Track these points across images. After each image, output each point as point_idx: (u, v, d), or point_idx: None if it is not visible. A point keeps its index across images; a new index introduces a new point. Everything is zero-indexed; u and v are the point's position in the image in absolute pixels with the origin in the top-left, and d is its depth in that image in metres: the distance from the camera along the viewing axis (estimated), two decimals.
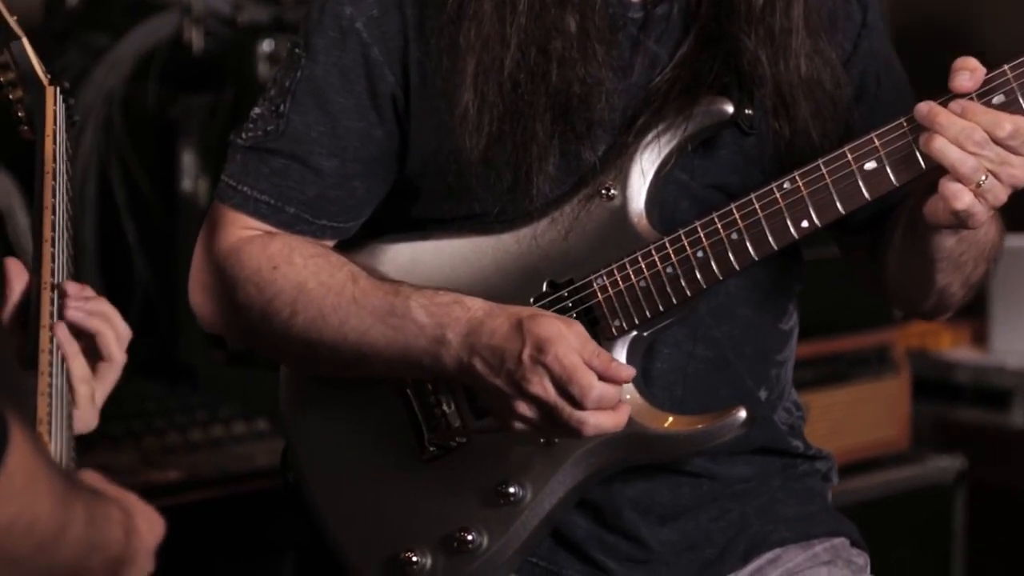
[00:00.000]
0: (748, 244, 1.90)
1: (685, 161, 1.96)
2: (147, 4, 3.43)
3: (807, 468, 2.10)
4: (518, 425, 1.86)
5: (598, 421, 1.83)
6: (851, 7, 2.05)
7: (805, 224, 1.89)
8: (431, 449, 1.97)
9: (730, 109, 1.93)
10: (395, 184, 2.01)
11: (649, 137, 1.93)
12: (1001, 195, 1.85)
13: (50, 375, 1.61)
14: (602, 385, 1.82)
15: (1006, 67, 1.85)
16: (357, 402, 1.99)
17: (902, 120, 1.88)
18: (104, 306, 1.70)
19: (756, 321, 2.03)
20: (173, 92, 3.35)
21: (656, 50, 1.96)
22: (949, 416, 3.72)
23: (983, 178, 1.83)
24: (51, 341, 1.63)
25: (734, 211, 1.90)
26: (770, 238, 1.90)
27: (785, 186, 1.90)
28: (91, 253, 3.36)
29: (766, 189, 1.90)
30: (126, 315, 3.25)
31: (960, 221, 1.86)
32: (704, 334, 1.99)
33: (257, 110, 1.99)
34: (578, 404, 1.82)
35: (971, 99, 1.85)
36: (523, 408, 1.84)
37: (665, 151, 1.93)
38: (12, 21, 1.82)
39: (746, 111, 1.94)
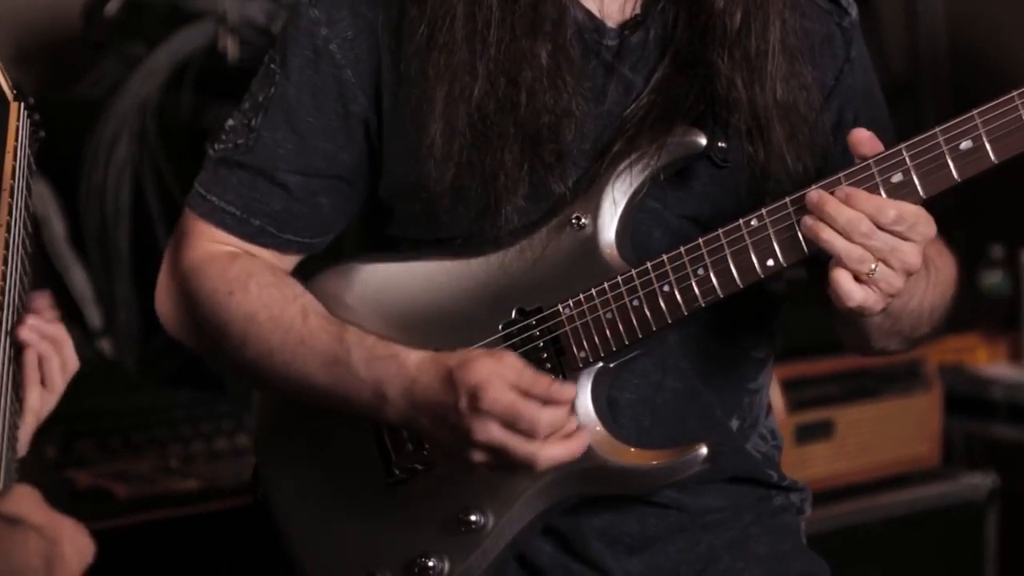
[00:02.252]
0: (714, 281, 1.89)
1: (658, 191, 1.95)
2: (183, 13, 3.46)
3: (782, 502, 2.09)
4: (478, 469, 1.86)
5: (550, 454, 1.82)
6: (835, 40, 2.02)
7: (771, 263, 1.88)
8: (396, 473, 1.97)
9: (703, 142, 1.92)
10: (372, 202, 2.02)
11: (621, 167, 1.92)
12: (895, 281, 1.83)
13: None
14: (549, 411, 1.81)
15: (902, 146, 1.85)
16: (325, 424, 2.00)
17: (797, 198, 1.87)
18: (58, 332, 1.70)
19: (728, 351, 2.02)
20: (207, 101, 3.37)
21: (631, 77, 1.96)
22: (983, 433, 3.68)
23: (873, 267, 1.82)
24: None
25: (701, 246, 1.89)
26: (736, 276, 1.89)
27: (752, 223, 1.88)
28: (125, 261, 3.40)
29: (734, 225, 1.89)
30: (157, 322, 3.28)
31: (852, 311, 1.85)
32: (674, 365, 1.98)
33: (231, 122, 2.00)
34: (532, 437, 1.81)
35: (871, 171, 1.84)
36: (476, 455, 1.84)
37: (637, 181, 1.93)
38: None
39: (719, 144, 1.93)
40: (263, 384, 1.99)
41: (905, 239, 1.83)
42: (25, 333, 1.68)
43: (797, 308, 2.11)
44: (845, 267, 1.82)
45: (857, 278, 1.83)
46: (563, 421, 1.83)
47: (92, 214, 3.40)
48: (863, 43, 2.06)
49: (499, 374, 1.82)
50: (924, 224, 1.84)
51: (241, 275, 1.96)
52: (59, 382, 1.71)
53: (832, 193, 1.83)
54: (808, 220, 1.84)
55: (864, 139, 1.86)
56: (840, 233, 1.82)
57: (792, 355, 3.25)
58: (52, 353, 1.69)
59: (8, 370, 1.65)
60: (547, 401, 1.81)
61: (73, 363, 1.71)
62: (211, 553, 2.81)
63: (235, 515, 2.80)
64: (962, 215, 3.69)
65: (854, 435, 3.39)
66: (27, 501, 1.50)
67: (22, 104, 1.81)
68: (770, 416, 2.10)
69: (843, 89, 2.03)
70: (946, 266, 2.01)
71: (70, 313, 3.38)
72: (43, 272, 3.37)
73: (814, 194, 1.84)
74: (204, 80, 3.38)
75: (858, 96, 2.04)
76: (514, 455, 1.82)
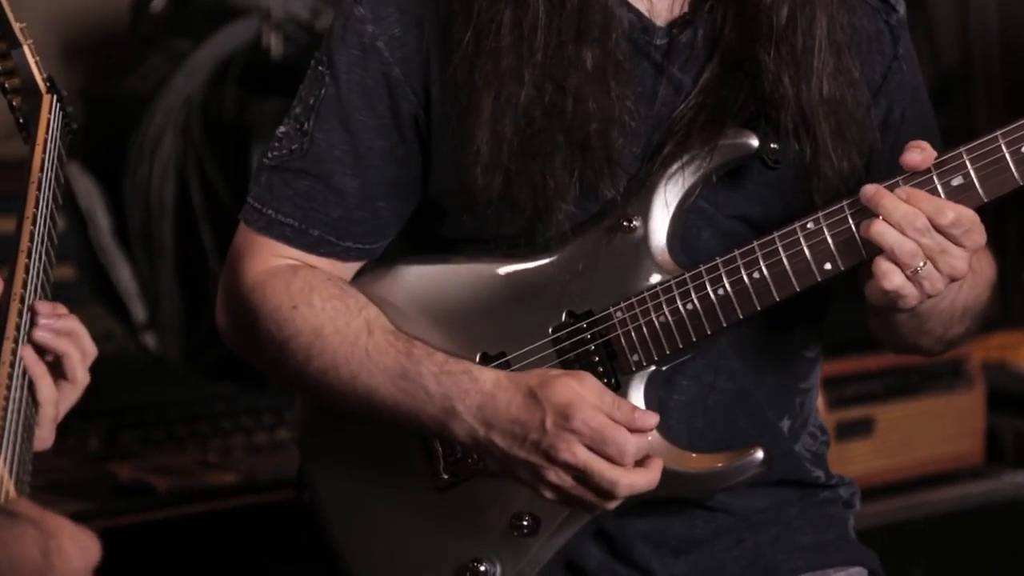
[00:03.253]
0: (771, 285, 1.89)
1: (709, 191, 1.94)
2: (228, 9, 3.47)
3: (828, 495, 2.09)
4: (548, 494, 1.86)
5: (632, 481, 1.84)
6: (883, 37, 2.02)
7: (828, 267, 1.88)
8: (445, 477, 1.97)
9: (755, 143, 1.92)
10: (423, 203, 2.01)
11: (673, 168, 1.92)
12: (938, 284, 1.84)
13: (8, 388, 1.61)
14: (636, 438, 1.83)
15: (962, 149, 1.85)
16: (372, 427, 1.99)
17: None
18: (74, 325, 1.70)
19: (779, 352, 2.02)
20: (251, 97, 3.39)
21: (680, 77, 1.95)
22: None
23: (921, 264, 1.82)
24: (13, 354, 1.64)
25: (756, 249, 1.89)
26: (793, 279, 1.88)
27: (809, 226, 1.88)
28: (169, 256, 3.41)
29: (789, 228, 1.88)
30: (200, 316, 3.30)
31: (890, 301, 1.85)
32: (725, 365, 1.98)
33: (283, 128, 1.99)
34: (616, 462, 1.82)
35: (930, 174, 1.84)
36: (553, 476, 1.84)
37: (689, 183, 1.92)
38: (17, 28, 1.85)
39: (771, 145, 1.92)
40: (327, 399, 1.98)
41: (957, 244, 1.83)
42: (40, 335, 1.68)
43: (837, 304, 2.11)
44: (895, 262, 1.82)
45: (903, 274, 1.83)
46: (646, 449, 1.84)
47: (137, 209, 3.42)
48: (911, 42, 2.05)
49: (585, 396, 1.83)
50: (978, 232, 1.85)
51: (304, 288, 1.95)
52: (81, 375, 1.70)
53: (892, 191, 1.84)
54: (865, 219, 1.84)
55: (916, 163, 1.85)
56: (894, 227, 1.82)
57: (833, 352, 3.23)
58: (71, 348, 1.69)
59: (21, 365, 1.65)
60: (629, 429, 1.83)
61: (92, 351, 1.71)
62: (249, 547, 2.82)
63: (272, 509, 2.82)
64: (1012, 211, 3.68)
65: (895, 432, 3.38)
66: (23, 501, 1.51)
67: (55, 97, 1.82)
68: (817, 414, 2.11)
69: (891, 87, 2.02)
70: (984, 268, 2.01)
71: (115, 307, 3.40)
72: (89, 267, 3.39)
73: (870, 187, 1.85)
74: (248, 76, 3.39)
75: (906, 95, 2.04)
76: (597, 478, 1.82)
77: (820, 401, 3.26)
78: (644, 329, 1.91)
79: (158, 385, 3.24)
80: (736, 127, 1.92)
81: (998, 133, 1.84)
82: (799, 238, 1.88)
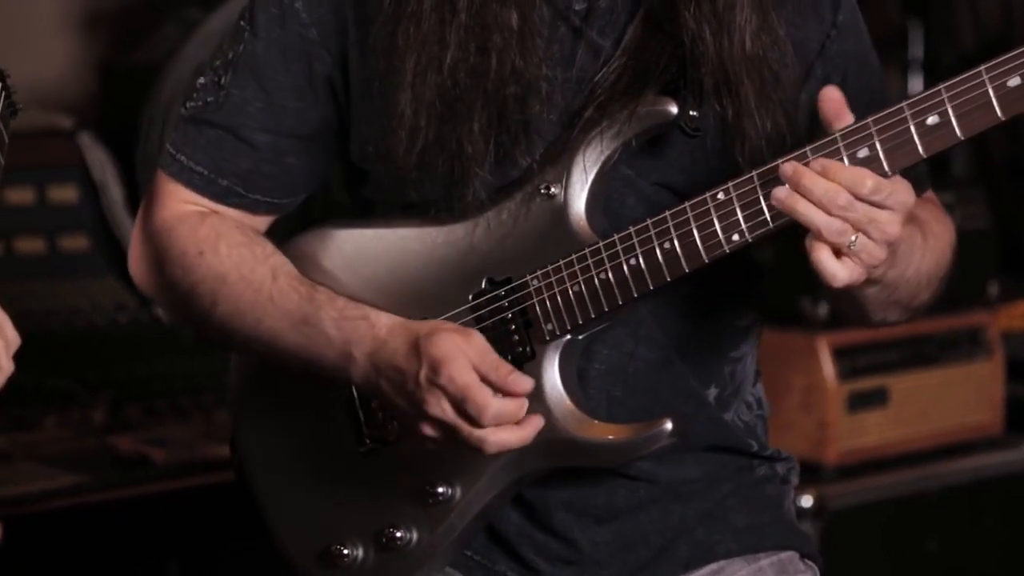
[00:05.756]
0: (680, 255, 1.86)
1: (630, 157, 1.92)
2: None
3: (765, 472, 2.05)
4: (427, 444, 1.86)
5: (499, 439, 1.82)
6: (823, 4, 1.96)
7: (736, 238, 1.84)
8: (368, 443, 1.98)
9: (674, 110, 1.88)
10: (347, 164, 2.01)
11: (593, 134, 1.89)
12: (876, 252, 1.78)
13: None
14: (500, 401, 1.81)
15: (870, 120, 1.79)
16: (301, 391, 2.00)
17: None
18: None
19: (706, 321, 1.98)
20: None
21: (599, 42, 1.92)
22: None
23: (853, 239, 1.77)
24: None
25: (668, 219, 1.86)
26: (701, 251, 1.85)
27: (719, 196, 1.84)
28: None
29: (700, 199, 1.85)
30: None
31: (843, 289, 1.80)
32: (646, 335, 1.95)
33: (202, 80, 2.00)
34: (474, 423, 1.81)
35: (837, 146, 1.79)
36: (427, 428, 1.85)
37: (608, 150, 1.89)
38: None
39: (691, 112, 1.89)
40: (233, 345, 2.01)
41: (883, 207, 1.78)
42: None
43: None
44: (824, 241, 1.78)
45: (837, 252, 1.78)
46: (513, 413, 1.82)
47: (149, 179, 3.42)
48: (856, 8, 2.00)
49: (463, 352, 1.81)
50: (902, 192, 1.79)
51: (211, 235, 1.97)
52: (6, 363, 1.66)
53: (807, 165, 1.79)
54: (781, 193, 1.79)
55: (835, 100, 1.80)
56: (817, 206, 1.77)
57: (847, 321, 3.20)
58: None
59: None
60: (500, 390, 1.81)
61: (15, 339, 1.67)
62: (245, 519, 2.83)
63: None
64: None
65: (911, 403, 3.34)
66: None
67: None
68: (757, 384, 2.07)
69: (829, 55, 1.97)
70: (943, 232, 1.97)
71: (128, 278, 3.41)
72: (102, 238, 3.41)
73: (788, 166, 1.79)
74: None
75: (846, 63, 1.98)
76: (461, 436, 1.82)
77: (831, 372, 3.26)
78: (559, 298, 1.89)
79: (169, 357, 3.25)
80: (655, 94, 1.89)
81: (904, 104, 1.79)
82: (709, 208, 1.85)
